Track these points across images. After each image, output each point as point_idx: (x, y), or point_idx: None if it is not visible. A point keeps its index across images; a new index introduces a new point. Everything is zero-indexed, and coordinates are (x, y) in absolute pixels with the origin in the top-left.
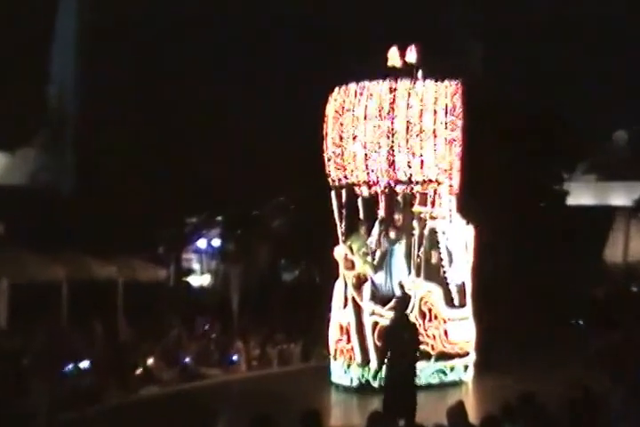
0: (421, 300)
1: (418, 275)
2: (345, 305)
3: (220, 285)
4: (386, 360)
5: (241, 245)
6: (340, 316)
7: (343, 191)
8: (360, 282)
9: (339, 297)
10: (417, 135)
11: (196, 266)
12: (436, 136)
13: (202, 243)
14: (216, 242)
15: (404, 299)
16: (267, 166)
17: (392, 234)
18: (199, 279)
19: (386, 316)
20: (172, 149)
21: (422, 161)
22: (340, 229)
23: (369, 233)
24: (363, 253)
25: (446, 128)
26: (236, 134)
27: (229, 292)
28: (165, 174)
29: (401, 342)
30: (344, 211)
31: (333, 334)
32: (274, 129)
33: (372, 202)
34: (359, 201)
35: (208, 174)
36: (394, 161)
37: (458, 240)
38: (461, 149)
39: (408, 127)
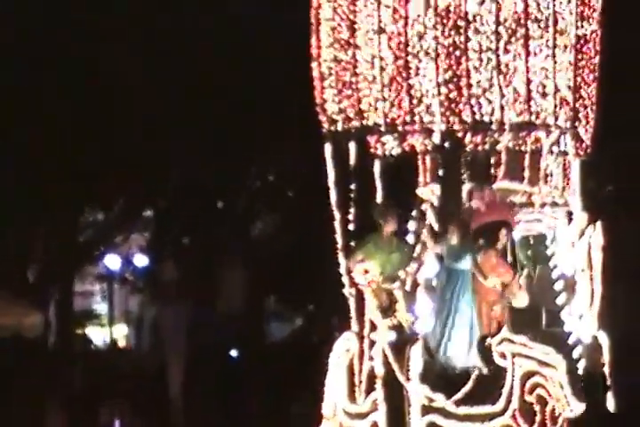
0: (525, 382)
1: (514, 326)
2: (368, 388)
3: (148, 344)
4: None
5: (190, 267)
6: (346, 415)
7: (351, 146)
8: (404, 341)
9: (342, 374)
10: (510, 30)
11: (100, 307)
12: (555, 36)
13: (112, 262)
14: (140, 260)
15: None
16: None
17: (453, 238)
18: (106, 332)
19: (455, 413)
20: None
21: (526, 82)
22: (341, 226)
23: (400, 234)
24: (387, 277)
25: (576, 24)
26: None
27: (164, 358)
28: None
29: None
30: (355, 187)
31: None
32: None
33: (405, 170)
34: (376, 167)
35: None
36: (460, 79)
37: (579, 254)
38: (600, 66)
39: (499, 9)
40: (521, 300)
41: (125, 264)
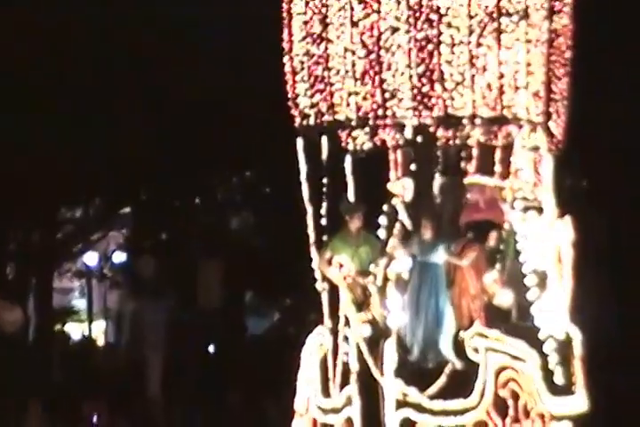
0: (498, 377)
1: (486, 321)
2: (342, 383)
3: (127, 340)
4: None
5: (168, 264)
6: (319, 411)
7: (324, 141)
8: (378, 335)
9: (315, 369)
10: (482, 23)
11: (79, 302)
12: (527, 30)
13: (91, 259)
14: (119, 257)
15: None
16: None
17: (426, 233)
18: (85, 329)
19: (428, 407)
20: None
21: (498, 76)
22: (313, 220)
23: (371, 229)
24: (360, 271)
25: (549, 18)
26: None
27: (143, 354)
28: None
29: None
30: (326, 182)
31: None
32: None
33: (376, 165)
34: (347, 162)
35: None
36: (433, 73)
37: (549, 249)
38: (573, 58)
39: (470, 2)
40: (504, 297)
41: (104, 260)
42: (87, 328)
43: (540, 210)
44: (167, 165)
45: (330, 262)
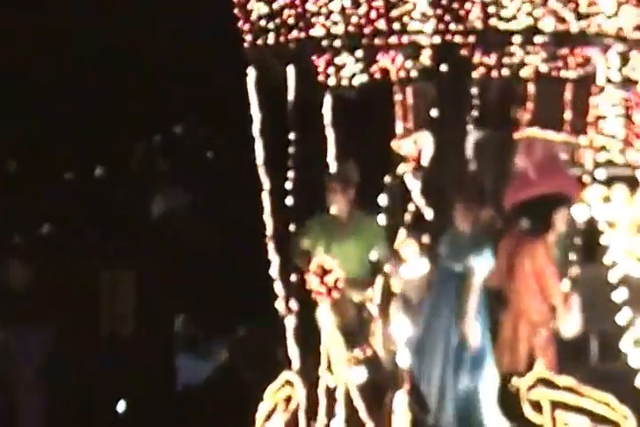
0: None
1: (558, 362)
2: None
3: None
4: None
5: (54, 273)
6: None
7: (291, 72)
8: (383, 384)
9: None
10: None
11: None
12: None
13: None
14: None
15: None
16: None
17: (454, 221)
18: None
19: None
20: None
21: None
22: (271, 199)
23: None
24: (352, 280)
25: None
26: None
27: (14, 404)
28: None
29: None
30: (294, 137)
31: None
32: None
33: (374, 110)
34: (327, 105)
35: None
36: None
37: None
38: None
39: None
40: (570, 325)
41: None
42: None
43: (634, 182)
44: (50, 118)
45: (304, 266)
